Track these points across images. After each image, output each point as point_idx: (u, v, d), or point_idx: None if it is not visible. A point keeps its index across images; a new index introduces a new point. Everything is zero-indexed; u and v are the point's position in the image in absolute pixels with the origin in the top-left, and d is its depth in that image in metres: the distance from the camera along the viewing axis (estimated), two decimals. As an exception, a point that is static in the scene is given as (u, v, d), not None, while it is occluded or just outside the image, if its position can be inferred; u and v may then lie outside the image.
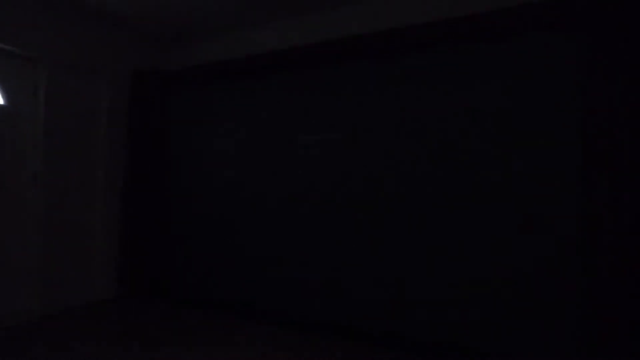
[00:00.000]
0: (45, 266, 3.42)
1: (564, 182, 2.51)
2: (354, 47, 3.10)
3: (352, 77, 3.21)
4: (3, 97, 3.12)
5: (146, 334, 3.03)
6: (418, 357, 2.69)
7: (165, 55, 4.42)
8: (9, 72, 3.17)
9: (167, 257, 4.10)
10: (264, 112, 3.63)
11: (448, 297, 2.79)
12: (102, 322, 3.28)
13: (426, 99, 2.93)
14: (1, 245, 3.12)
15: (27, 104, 3.29)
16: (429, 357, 2.71)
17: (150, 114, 4.07)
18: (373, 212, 3.07)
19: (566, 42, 2.55)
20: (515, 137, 2.65)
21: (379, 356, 2.69)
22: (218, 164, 3.85)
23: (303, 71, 3.44)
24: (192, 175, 4.00)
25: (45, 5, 3.36)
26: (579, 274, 2.44)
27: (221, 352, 2.71)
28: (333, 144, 3.26)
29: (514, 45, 2.69)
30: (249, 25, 3.83)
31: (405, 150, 2.97)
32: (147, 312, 3.55)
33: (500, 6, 2.79)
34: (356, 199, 3.14)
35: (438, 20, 2.81)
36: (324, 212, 3.27)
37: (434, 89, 2.90)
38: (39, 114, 3.36)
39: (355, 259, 3.13)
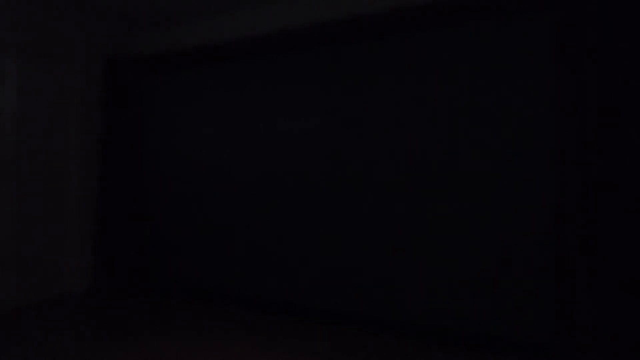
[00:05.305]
0: (19, 257, 3.34)
1: (534, 178, 2.53)
2: (334, 32, 3.09)
3: (334, 63, 3.19)
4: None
5: (126, 324, 2.96)
6: (405, 343, 2.68)
7: (139, 41, 4.31)
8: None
9: (146, 246, 4.04)
10: (243, 98, 3.57)
11: (435, 285, 2.81)
12: (80, 313, 3.21)
13: (398, 86, 2.93)
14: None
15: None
16: (418, 342, 2.70)
17: (125, 100, 4.00)
18: (355, 197, 3.07)
19: (537, 24, 2.55)
20: (487, 129, 2.66)
21: (366, 340, 2.68)
22: (198, 150, 3.80)
23: (284, 56, 3.40)
24: (171, 161, 3.94)
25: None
26: (549, 267, 2.45)
27: (205, 341, 2.68)
28: (312, 130, 3.24)
29: (483, 30, 2.69)
30: (227, 10, 3.74)
31: (379, 136, 2.99)
32: (126, 303, 3.48)
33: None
34: (337, 184, 3.13)
35: (412, 6, 2.81)
36: (306, 197, 3.25)
37: (407, 75, 2.91)
38: (8, 103, 3.28)
39: (340, 244, 3.12)
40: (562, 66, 2.39)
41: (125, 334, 2.86)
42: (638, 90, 2.24)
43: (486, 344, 2.64)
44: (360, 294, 3.04)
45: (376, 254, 3.00)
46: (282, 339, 2.81)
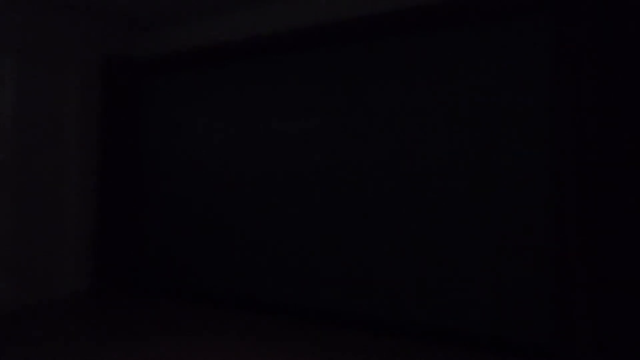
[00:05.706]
0: (18, 257, 3.35)
1: (534, 179, 2.53)
2: (334, 32, 3.09)
3: (334, 63, 3.18)
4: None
5: (126, 325, 2.97)
6: (405, 341, 2.69)
7: (139, 41, 4.31)
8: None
9: (146, 246, 4.03)
10: (243, 98, 3.57)
11: (435, 285, 2.80)
12: (80, 314, 3.21)
13: (396, 87, 2.93)
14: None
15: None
16: (418, 343, 2.71)
17: (124, 101, 4.01)
18: (355, 197, 3.07)
19: (537, 24, 2.55)
20: (487, 129, 2.66)
21: (366, 340, 2.68)
22: (198, 151, 3.79)
23: (284, 56, 3.39)
24: (171, 162, 3.94)
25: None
26: (549, 267, 2.45)
27: (205, 341, 2.68)
28: (312, 130, 3.24)
29: (483, 30, 2.68)
30: (226, 10, 3.74)
31: (376, 138, 2.98)
32: (126, 303, 3.48)
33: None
34: (337, 184, 3.13)
35: (412, 6, 2.82)
36: (306, 197, 3.25)
37: (407, 75, 2.90)
38: (7, 103, 3.28)
39: (340, 244, 3.12)
40: (561, 66, 2.39)
41: (125, 334, 2.86)
42: (637, 90, 2.24)
43: (486, 344, 2.64)
44: (361, 294, 3.05)
45: (376, 254, 3.00)
46: (282, 339, 2.81)
